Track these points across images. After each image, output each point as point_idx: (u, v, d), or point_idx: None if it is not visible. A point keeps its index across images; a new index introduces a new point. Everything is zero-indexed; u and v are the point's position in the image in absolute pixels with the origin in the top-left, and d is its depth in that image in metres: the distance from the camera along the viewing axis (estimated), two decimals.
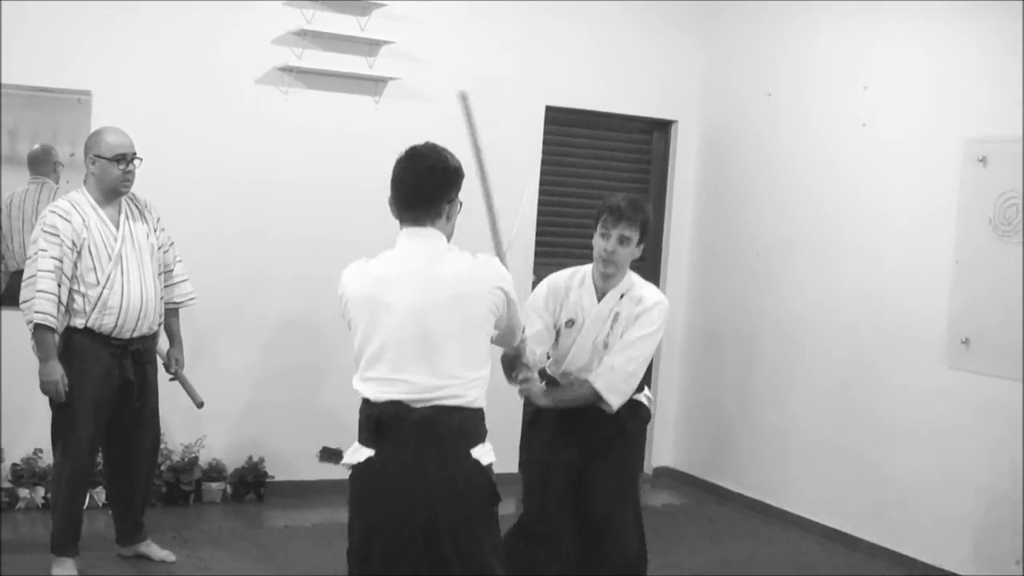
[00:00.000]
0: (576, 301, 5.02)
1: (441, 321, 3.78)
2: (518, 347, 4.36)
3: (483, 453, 3.86)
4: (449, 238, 3.98)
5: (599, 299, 4.99)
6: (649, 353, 4.96)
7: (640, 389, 5.06)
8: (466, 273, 3.86)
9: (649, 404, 5.21)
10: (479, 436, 3.88)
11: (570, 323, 5.01)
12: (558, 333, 5.04)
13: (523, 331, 4.27)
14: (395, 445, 3.78)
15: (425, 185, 3.94)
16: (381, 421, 3.79)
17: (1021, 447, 6.16)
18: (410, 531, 3.75)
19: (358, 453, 3.86)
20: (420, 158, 3.98)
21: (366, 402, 3.85)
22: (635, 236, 4.94)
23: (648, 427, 5.55)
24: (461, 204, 4.05)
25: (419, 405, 3.76)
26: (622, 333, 4.91)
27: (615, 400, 4.86)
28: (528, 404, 5.09)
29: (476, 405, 3.86)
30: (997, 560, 6.26)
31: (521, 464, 5.25)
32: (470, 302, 3.83)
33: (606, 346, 4.92)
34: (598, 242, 4.97)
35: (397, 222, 3.96)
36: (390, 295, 3.81)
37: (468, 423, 3.84)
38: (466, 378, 3.81)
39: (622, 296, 4.97)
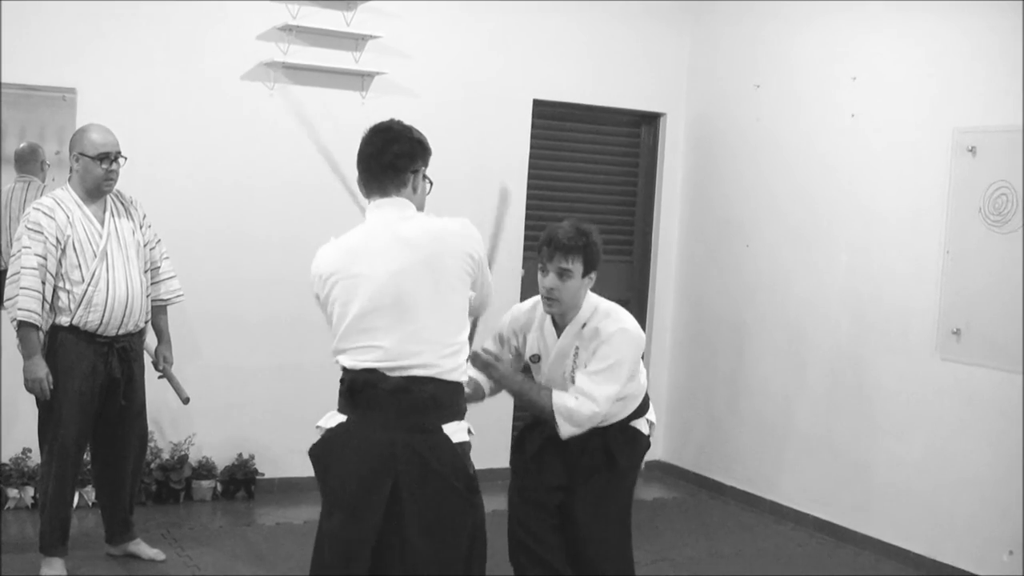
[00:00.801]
0: (537, 336, 4.86)
1: (414, 285, 3.80)
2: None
3: (455, 430, 3.86)
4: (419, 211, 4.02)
5: (559, 333, 4.77)
6: (613, 388, 4.61)
7: (640, 413, 4.89)
8: (436, 234, 3.88)
9: (650, 430, 4.96)
10: (453, 411, 3.88)
11: (535, 358, 4.87)
12: (526, 367, 4.95)
13: (493, 295, 4.21)
14: (367, 411, 3.82)
15: (388, 153, 3.97)
16: (354, 387, 3.83)
17: (1013, 438, 6.16)
18: (372, 495, 3.77)
19: (332, 419, 3.91)
20: (383, 131, 4.05)
21: (344, 370, 3.89)
22: (577, 268, 4.62)
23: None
24: (431, 183, 4.09)
25: (394, 374, 3.77)
26: (586, 366, 4.66)
27: (565, 430, 4.60)
28: (519, 418, 5.07)
29: (451, 378, 3.84)
30: (989, 551, 6.26)
31: (509, 487, 5.05)
32: (442, 263, 3.84)
33: (573, 381, 4.69)
34: (539, 278, 4.71)
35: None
36: (362, 266, 3.83)
37: (442, 395, 3.83)
38: (442, 343, 3.82)
39: (583, 326, 4.70)
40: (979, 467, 6.32)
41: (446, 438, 3.82)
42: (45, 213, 5.47)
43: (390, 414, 3.78)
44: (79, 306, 5.50)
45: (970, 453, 6.37)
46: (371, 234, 3.90)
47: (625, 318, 4.74)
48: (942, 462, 6.52)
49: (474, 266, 3.90)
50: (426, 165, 4.06)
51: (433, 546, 3.78)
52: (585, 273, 4.64)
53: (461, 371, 3.88)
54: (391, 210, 3.93)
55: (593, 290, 4.79)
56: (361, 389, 3.82)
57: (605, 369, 4.60)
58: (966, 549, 6.39)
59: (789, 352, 7.49)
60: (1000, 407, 6.23)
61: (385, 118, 7.03)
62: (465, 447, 3.89)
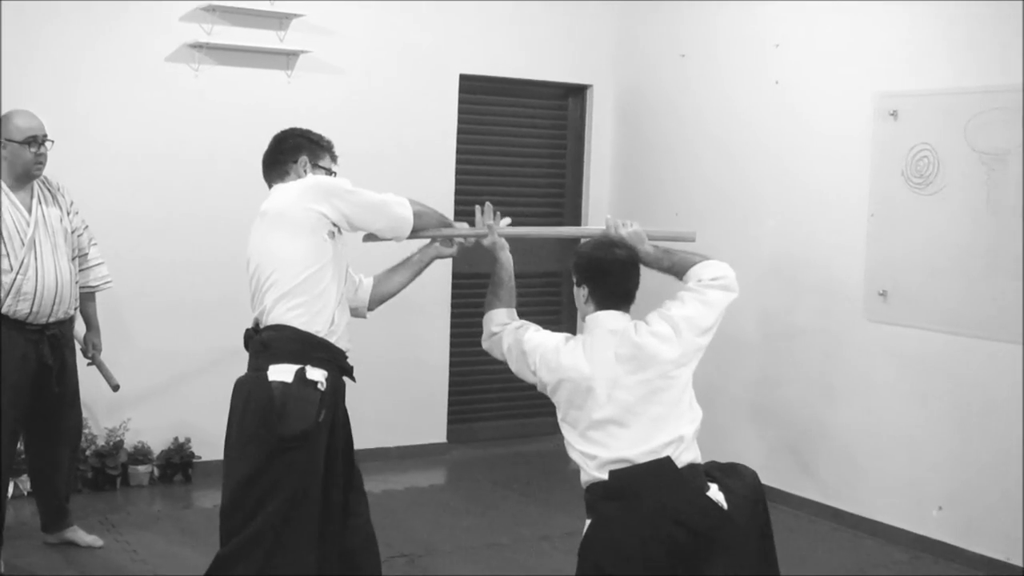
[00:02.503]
0: None
1: (260, 250, 4.30)
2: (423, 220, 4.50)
3: (277, 371, 4.22)
4: None
5: None
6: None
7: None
8: (284, 194, 4.33)
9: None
10: (280, 353, 4.24)
11: None
12: None
13: (399, 206, 4.41)
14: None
15: (268, 152, 4.53)
16: (245, 341, 4.41)
17: (940, 396, 6.27)
18: (228, 425, 4.40)
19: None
20: (279, 133, 4.60)
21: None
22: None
23: None
24: (329, 171, 4.53)
25: (262, 327, 4.31)
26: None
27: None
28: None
29: (279, 320, 4.25)
30: (919, 507, 6.38)
31: None
32: (282, 218, 4.26)
33: None
34: None
35: None
36: (248, 247, 4.37)
37: (271, 339, 4.26)
38: (279, 287, 4.24)
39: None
40: (908, 426, 6.43)
41: (263, 376, 4.23)
42: None
43: (250, 360, 4.38)
44: (8, 295, 5.43)
45: (899, 412, 6.48)
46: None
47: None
48: (872, 422, 6.62)
49: (322, 205, 4.23)
50: (316, 157, 4.49)
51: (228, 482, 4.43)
52: (576, 284, 4.24)
53: (295, 317, 4.24)
54: (272, 193, 4.43)
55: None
56: (246, 344, 4.41)
57: None
58: (898, 507, 6.50)
59: (723, 317, 7.53)
60: (927, 366, 6.33)
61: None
62: (285, 385, 4.20)
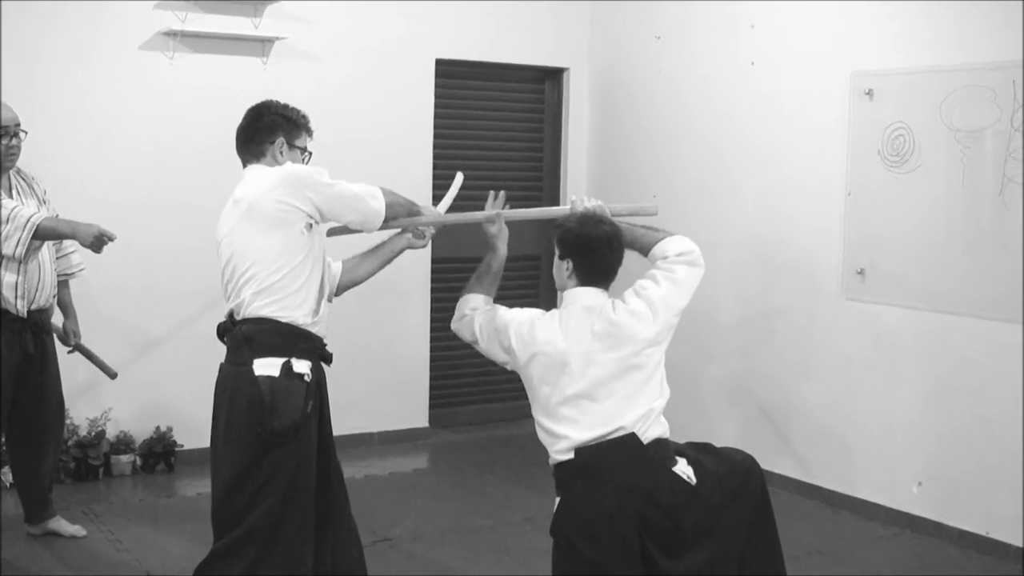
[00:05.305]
0: None
1: (236, 240, 4.24)
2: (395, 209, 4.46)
3: (262, 364, 4.19)
4: None
5: None
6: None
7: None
8: (257, 183, 4.25)
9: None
10: (264, 347, 4.21)
11: None
12: None
13: (373, 200, 4.36)
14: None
15: (243, 128, 4.47)
16: (219, 333, 4.41)
17: (918, 373, 6.31)
18: (214, 421, 4.36)
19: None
20: (254, 107, 4.53)
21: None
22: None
23: None
24: (307, 154, 4.52)
25: (238, 318, 4.28)
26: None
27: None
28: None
29: (259, 314, 4.21)
30: (898, 484, 6.42)
31: None
32: (256, 210, 4.20)
33: None
34: None
35: None
36: (219, 232, 4.33)
37: (253, 332, 4.22)
38: (257, 281, 4.20)
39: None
40: (886, 403, 6.47)
41: (248, 370, 4.20)
42: None
43: (228, 352, 4.34)
44: None
45: (877, 389, 6.52)
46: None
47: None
48: (851, 400, 6.66)
49: (291, 201, 4.18)
50: (292, 137, 4.45)
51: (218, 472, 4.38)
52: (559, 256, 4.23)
53: (276, 309, 4.21)
54: (246, 175, 4.38)
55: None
56: (223, 334, 4.39)
57: None
58: (877, 483, 6.54)
59: (698, 298, 7.51)
60: (905, 343, 6.37)
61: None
62: (271, 380, 4.18)
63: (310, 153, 4.55)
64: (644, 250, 4.30)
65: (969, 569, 5.86)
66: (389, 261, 4.77)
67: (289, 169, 4.29)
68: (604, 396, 3.97)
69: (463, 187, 4.96)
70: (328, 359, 4.44)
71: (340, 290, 4.70)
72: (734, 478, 4.07)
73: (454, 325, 4.40)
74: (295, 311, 4.23)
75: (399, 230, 4.67)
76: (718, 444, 4.30)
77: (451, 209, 4.80)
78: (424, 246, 4.80)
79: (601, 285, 4.13)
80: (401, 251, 4.77)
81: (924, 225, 6.24)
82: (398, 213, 4.47)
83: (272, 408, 4.14)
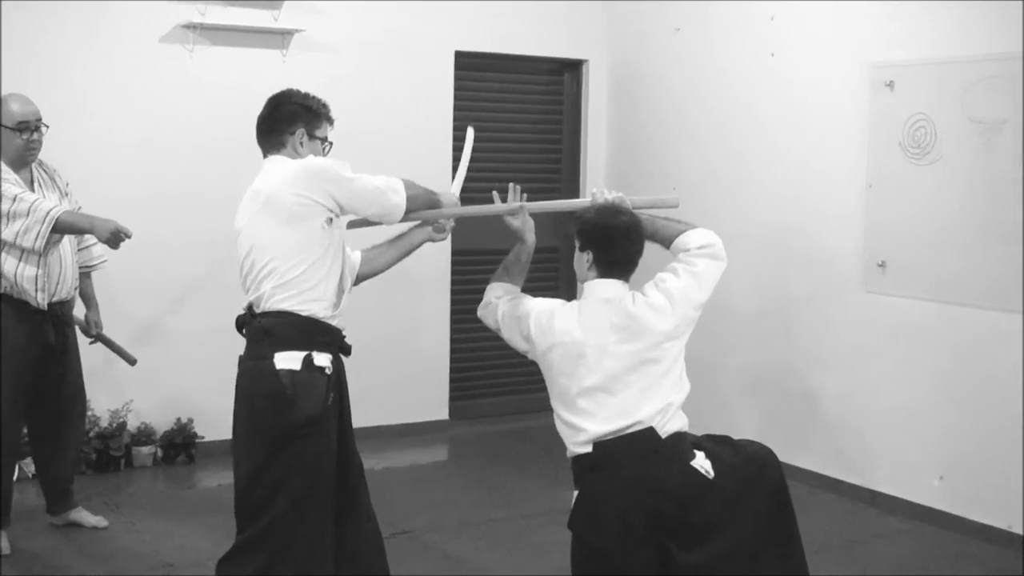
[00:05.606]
0: None
1: (255, 232, 4.18)
2: (418, 202, 4.43)
3: (284, 358, 4.15)
4: None
5: None
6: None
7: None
8: (276, 176, 4.20)
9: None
10: (284, 340, 4.17)
11: None
12: None
13: (394, 194, 4.31)
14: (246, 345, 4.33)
15: (263, 118, 4.42)
16: (238, 325, 4.37)
17: (939, 366, 6.28)
18: (235, 414, 4.31)
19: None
20: (274, 96, 4.48)
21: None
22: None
23: None
24: (327, 144, 4.47)
25: (258, 311, 4.22)
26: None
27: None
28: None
29: (279, 307, 4.17)
30: (919, 477, 6.40)
31: None
32: (275, 203, 4.14)
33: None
34: None
35: None
36: (237, 223, 4.29)
37: (273, 326, 4.17)
38: (277, 275, 4.15)
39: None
40: (907, 396, 6.45)
41: (269, 364, 4.16)
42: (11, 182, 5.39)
43: (247, 345, 4.31)
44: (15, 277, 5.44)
45: (899, 383, 6.49)
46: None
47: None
48: (870, 393, 6.64)
49: (318, 189, 4.13)
50: (312, 127, 4.40)
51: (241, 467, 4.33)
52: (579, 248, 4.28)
53: (296, 302, 4.17)
54: (266, 167, 4.34)
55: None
56: (241, 326, 4.34)
57: None
58: (898, 477, 6.52)
59: (717, 290, 7.52)
60: (925, 337, 6.34)
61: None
62: (292, 373, 4.15)
63: (331, 143, 4.52)
64: (666, 242, 4.29)
65: (989, 564, 5.83)
66: (408, 253, 4.76)
67: (309, 162, 4.24)
68: (620, 389, 3.97)
69: (483, 180, 4.97)
70: (347, 351, 4.44)
71: (358, 280, 4.69)
72: (749, 467, 4.07)
73: (480, 312, 4.43)
74: (315, 304, 4.21)
75: (419, 222, 4.67)
76: (736, 437, 4.30)
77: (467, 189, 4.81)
78: (444, 239, 4.80)
79: (621, 276, 4.12)
80: (421, 244, 4.76)
81: (946, 217, 6.21)
82: (419, 206, 4.45)
83: (293, 401, 4.12)
